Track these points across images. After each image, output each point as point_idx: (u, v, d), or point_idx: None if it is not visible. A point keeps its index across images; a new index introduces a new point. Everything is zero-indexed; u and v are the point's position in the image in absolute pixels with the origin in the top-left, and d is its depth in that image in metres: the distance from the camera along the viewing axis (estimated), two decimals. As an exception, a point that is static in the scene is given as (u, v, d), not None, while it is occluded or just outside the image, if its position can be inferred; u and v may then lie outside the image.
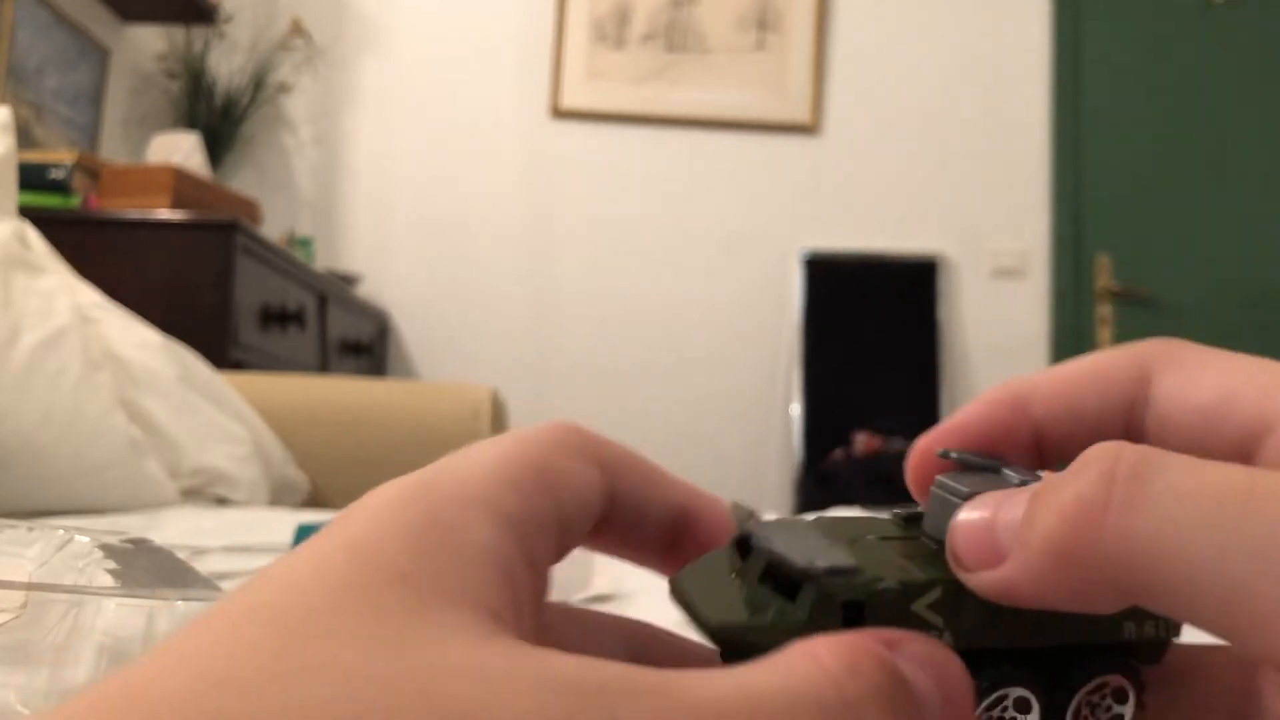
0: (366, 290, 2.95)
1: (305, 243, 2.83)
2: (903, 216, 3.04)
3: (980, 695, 0.19)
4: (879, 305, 2.95)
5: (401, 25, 3.09)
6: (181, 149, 2.38)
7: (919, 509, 0.22)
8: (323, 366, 2.47)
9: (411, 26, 3.09)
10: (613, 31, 3.06)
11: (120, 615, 0.35)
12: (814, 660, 0.14)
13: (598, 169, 3.07)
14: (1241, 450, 0.19)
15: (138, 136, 2.74)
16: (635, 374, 3.00)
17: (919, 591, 0.19)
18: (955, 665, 0.16)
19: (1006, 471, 0.20)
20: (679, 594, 0.20)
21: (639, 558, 0.22)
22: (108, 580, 0.36)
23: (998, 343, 2.99)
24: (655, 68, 3.05)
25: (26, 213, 1.36)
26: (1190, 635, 0.21)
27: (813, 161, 3.05)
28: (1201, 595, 0.16)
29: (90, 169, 2.08)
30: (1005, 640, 0.19)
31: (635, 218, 3.06)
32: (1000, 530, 0.18)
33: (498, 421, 1.68)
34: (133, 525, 0.92)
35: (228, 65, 2.96)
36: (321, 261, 2.91)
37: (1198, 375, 0.20)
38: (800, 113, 3.04)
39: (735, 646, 0.18)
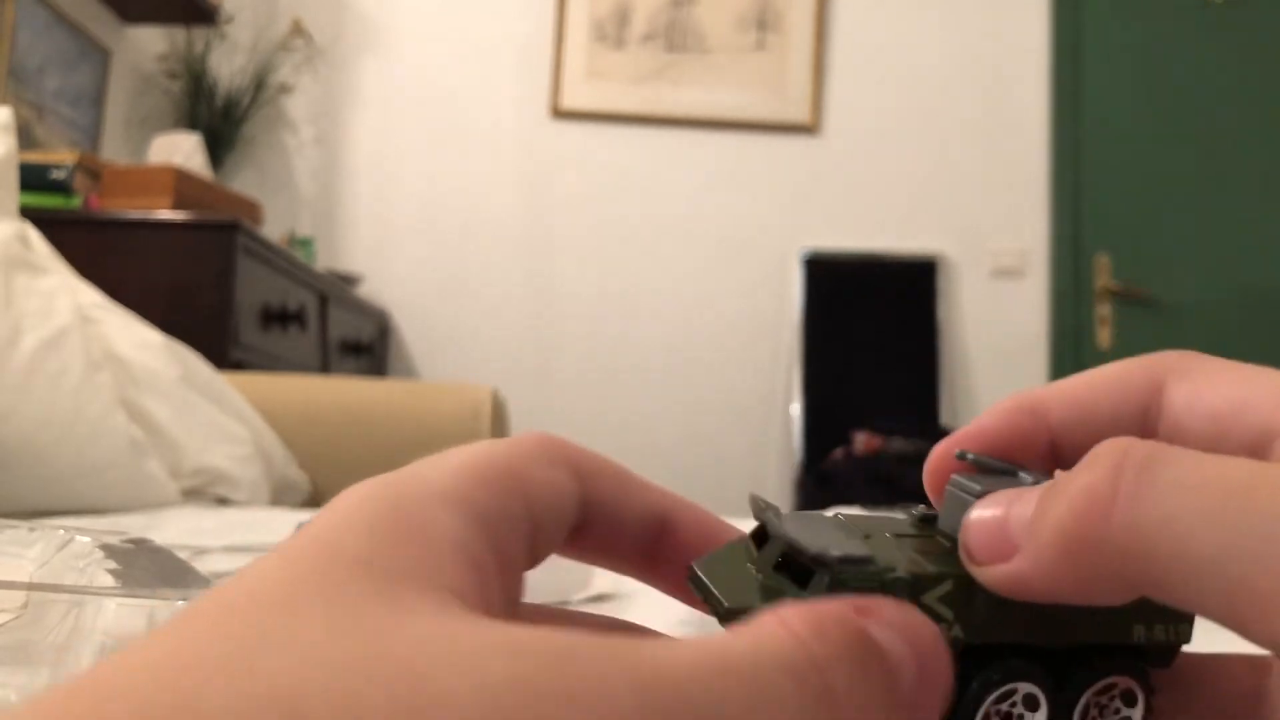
0: (367, 290, 2.96)
1: (306, 243, 2.83)
2: (902, 216, 3.04)
3: (988, 689, 0.20)
4: (879, 305, 2.95)
5: (402, 26, 3.10)
6: (182, 149, 2.38)
7: (934, 512, 0.22)
8: (323, 366, 2.48)
9: (412, 27, 3.09)
10: (613, 32, 3.06)
11: (121, 615, 0.35)
12: (783, 625, 0.14)
13: (598, 169, 3.07)
14: (1252, 455, 0.19)
15: (139, 137, 2.74)
16: (635, 373, 3.00)
17: (930, 584, 0.19)
18: (929, 629, 0.16)
19: (1022, 475, 0.20)
20: (695, 580, 0.20)
21: (619, 565, 0.22)
22: (108, 580, 0.36)
23: (997, 342, 2.99)
24: (655, 68, 3.06)
25: (28, 213, 1.36)
26: (1200, 640, 0.21)
27: (813, 161, 3.06)
28: (1207, 585, 0.16)
29: (91, 169, 2.08)
30: (1015, 636, 0.20)
31: (635, 217, 3.06)
32: (1012, 525, 0.18)
33: (498, 421, 1.69)
34: (133, 525, 0.92)
35: (228, 66, 2.97)
36: (322, 262, 2.92)
37: (1210, 384, 0.21)
38: (800, 113, 3.05)
39: None
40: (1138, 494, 0.17)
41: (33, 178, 1.88)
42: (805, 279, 2.96)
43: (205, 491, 1.31)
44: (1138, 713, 0.21)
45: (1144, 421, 0.21)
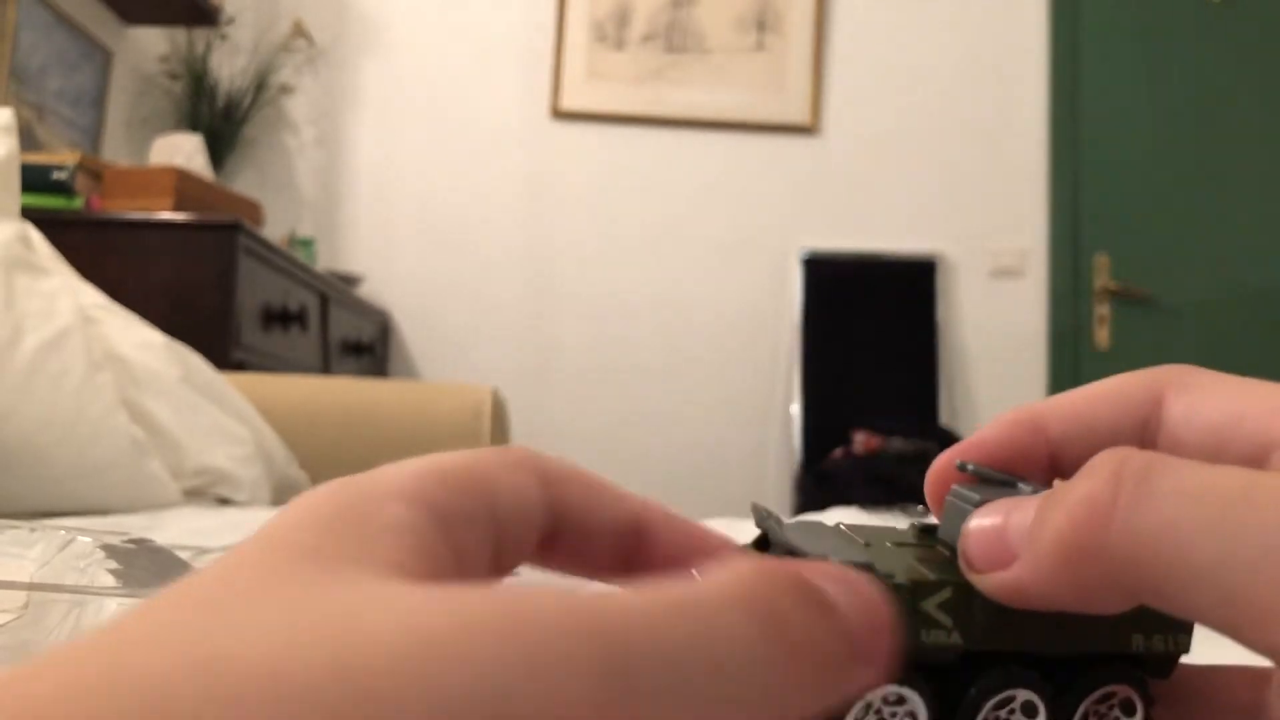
0: (368, 291, 2.96)
1: (307, 243, 2.83)
2: (902, 216, 3.04)
3: (986, 695, 0.20)
4: (878, 305, 2.96)
5: (403, 27, 3.10)
6: (184, 150, 2.38)
7: (935, 523, 0.22)
8: (324, 367, 2.48)
9: (412, 28, 3.10)
10: (613, 32, 3.07)
11: (121, 615, 0.35)
12: (730, 569, 0.15)
13: (598, 169, 3.07)
14: (1251, 467, 0.19)
15: (140, 138, 2.75)
16: (635, 373, 3.01)
17: (929, 590, 0.19)
18: (865, 579, 0.16)
19: (1021, 486, 0.21)
20: None
21: (596, 574, 0.21)
22: (109, 580, 0.37)
23: (996, 341, 3.00)
24: (655, 68, 3.06)
25: (29, 214, 1.36)
26: (1199, 652, 0.21)
27: (812, 162, 3.06)
28: (1205, 593, 0.16)
29: (93, 170, 2.08)
30: (1013, 644, 0.20)
31: (635, 218, 3.06)
32: (1011, 534, 0.18)
33: (499, 421, 1.69)
34: (135, 525, 0.93)
35: (229, 67, 2.97)
36: (323, 262, 2.92)
37: (1208, 397, 0.21)
38: (800, 113, 3.05)
39: None
40: (1136, 502, 0.17)
41: (34, 179, 1.89)
42: (805, 279, 2.97)
43: (206, 492, 1.32)
44: None
45: (1143, 435, 0.22)
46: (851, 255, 2.99)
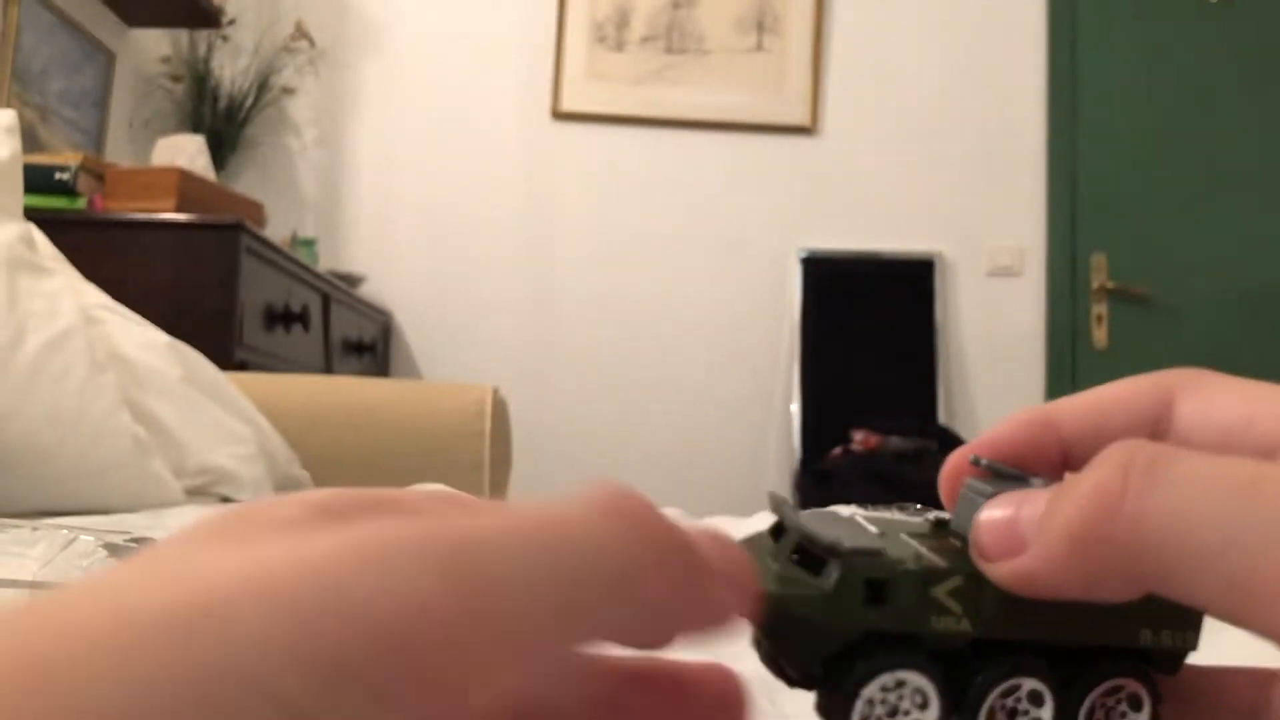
0: (369, 291, 2.97)
1: (309, 244, 2.84)
2: (900, 216, 3.05)
3: (993, 683, 0.20)
4: (877, 304, 2.96)
5: (403, 28, 3.11)
6: (186, 151, 2.39)
7: (949, 516, 0.23)
8: (326, 367, 2.49)
9: (413, 29, 3.11)
10: (612, 33, 3.07)
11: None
12: (584, 490, 0.16)
13: (598, 170, 3.08)
14: None
15: (142, 139, 2.76)
16: (636, 373, 3.01)
17: (940, 577, 0.20)
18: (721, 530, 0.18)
19: (1033, 480, 0.21)
20: None
21: None
22: (111, 577, 0.37)
23: (994, 340, 3.00)
24: (655, 69, 3.07)
25: (32, 215, 1.37)
26: (1206, 651, 0.21)
27: (811, 162, 3.07)
28: (1211, 578, 0.16)
29: (95, 171, 2.09)
30: (1022, 633, 0.20)
31: (635, 218, 3.07)
32: (1022, 524, 0.19)
33: (499, 420, 1.70)
34: (137, 525, 0.94)
35: (231, 68, 2.98)
36: (325, 262, 2.93)
37: (1219, 399, 0.21)
38: (799, 114, 3.06)
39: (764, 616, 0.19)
40: (1144, 491, 0.17)
41: (37, 179, 1.89)
42: (804, 278, 2.97)
43: (209, 491, 1.32)
44: (1143, 718, 0.21)
45: (1153, 436, 0.22)
46: (850, 255, 3.00)
